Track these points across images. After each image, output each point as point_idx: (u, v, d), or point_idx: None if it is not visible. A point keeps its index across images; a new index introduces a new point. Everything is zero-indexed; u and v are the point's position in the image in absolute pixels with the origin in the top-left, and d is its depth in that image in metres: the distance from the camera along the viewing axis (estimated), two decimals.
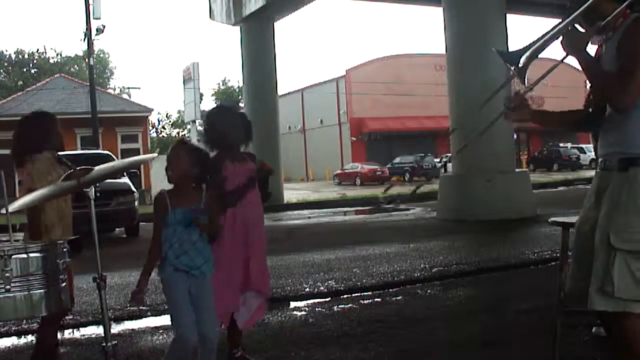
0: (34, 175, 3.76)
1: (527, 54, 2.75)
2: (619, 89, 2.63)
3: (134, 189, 13.54)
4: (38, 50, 61.45)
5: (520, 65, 2.74)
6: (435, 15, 28.05)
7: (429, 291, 6.52)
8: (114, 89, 57.33)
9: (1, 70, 60.52)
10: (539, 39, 2.82)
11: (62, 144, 4.12)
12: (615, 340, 2.83)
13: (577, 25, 2.81)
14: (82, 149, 21.97)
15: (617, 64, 2.68)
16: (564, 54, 2.78)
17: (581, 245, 2.90)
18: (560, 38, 2.77)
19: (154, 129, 64.01)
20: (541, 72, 2.92)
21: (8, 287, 2.61)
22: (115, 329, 5.55)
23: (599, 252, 2.69)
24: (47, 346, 3.81)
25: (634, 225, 2.62)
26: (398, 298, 6.29)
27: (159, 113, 69.35)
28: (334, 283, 7.10)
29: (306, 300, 6.44)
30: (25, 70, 59.63)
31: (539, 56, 2.82)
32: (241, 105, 28.15)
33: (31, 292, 2.68)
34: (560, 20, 2.91)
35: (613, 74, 2.68)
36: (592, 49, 2.86)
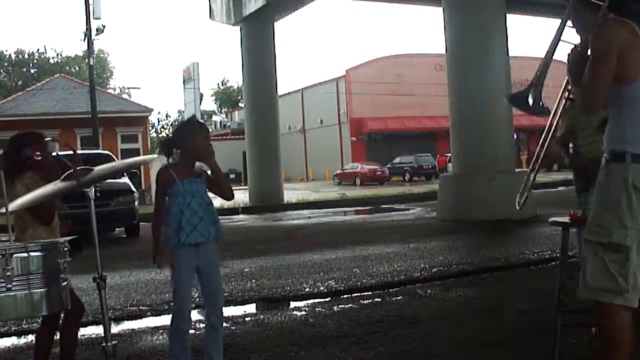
0: (19, 194, 3.60)
1: (532, 89, 3.06)
2: (584, 97, 2.78)
3: (134, 189, 13.56)
4: (38, 50, 61.51)
5: (531, 103, 3.06)
6: (435, 15, 28.06)
7: (429, 291, 6.52)
8: (114, 89, 57.25)
9: (1, 70, 60.48)
10: (537, 71, 3.10)
11: (46, 166, 3.75)
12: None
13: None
14: (82, 149, 21.90)
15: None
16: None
17: None
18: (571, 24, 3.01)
19: (154, 129, 64.11)
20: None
21: (9, 286, 2.62)
22: (115, 329, 5.56)
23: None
24: (42, 348, 3.78)
25: (599, 218, 2.78)
26: (398, 298, 6.29)
27: (159, 113, 69.53)
28: (334, 283, 7.11)
29: (306, 300, 6.45)
30: (25, 70, 59.58)
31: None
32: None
33: (32, 291, 2.68)
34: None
35: (582, 85, 2.80)
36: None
